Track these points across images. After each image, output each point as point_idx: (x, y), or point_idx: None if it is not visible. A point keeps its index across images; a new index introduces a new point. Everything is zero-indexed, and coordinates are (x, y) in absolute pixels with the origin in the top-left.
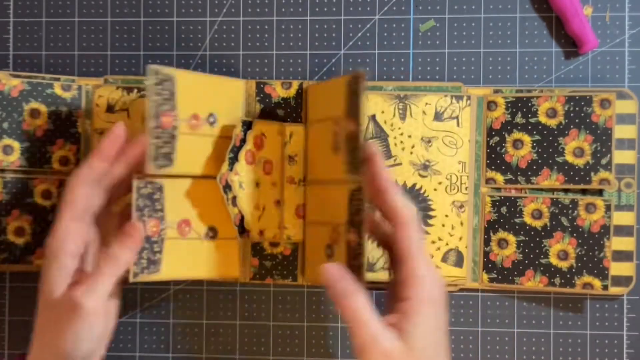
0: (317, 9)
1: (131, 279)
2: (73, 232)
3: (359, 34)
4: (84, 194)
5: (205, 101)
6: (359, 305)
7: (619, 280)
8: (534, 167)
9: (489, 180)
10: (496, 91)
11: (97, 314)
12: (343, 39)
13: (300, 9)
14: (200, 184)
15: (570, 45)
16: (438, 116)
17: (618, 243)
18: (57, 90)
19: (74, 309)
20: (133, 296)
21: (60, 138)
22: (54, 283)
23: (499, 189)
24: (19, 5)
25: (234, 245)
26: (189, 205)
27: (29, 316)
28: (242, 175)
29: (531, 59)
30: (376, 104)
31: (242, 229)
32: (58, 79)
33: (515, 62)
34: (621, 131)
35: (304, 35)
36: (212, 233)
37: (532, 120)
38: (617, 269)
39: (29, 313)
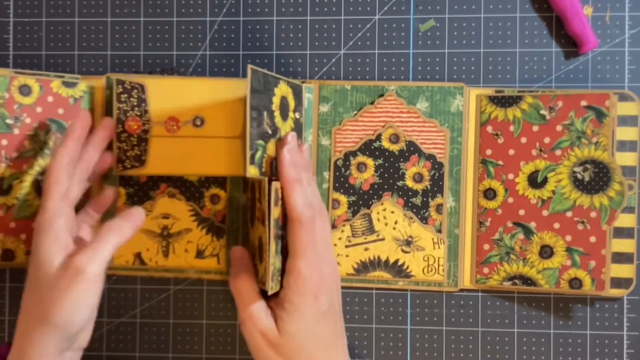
0: (317, 9)
1: (116, 173)
2: (62, 210)
3: (359, 34)
4: (66, 174)
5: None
6: (245, 284)
7: (619, 282)
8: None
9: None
10: (498, 91)
11: (98, 281)
12: (343, 39)
13: (300, 9)
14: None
15: (570, 45)
16: None
17: (618, 245)
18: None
19: (76, 274)
20: (133, 296)
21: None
22: (50, 254)
23: None
24: (19, 5)
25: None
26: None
27: None
28: None
29: (531, 59)
30: None
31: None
32: (62, 77)
33: (515, 62)
34: (622, 133)
35: (304, 35)
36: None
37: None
38: (617, 270)
39: None
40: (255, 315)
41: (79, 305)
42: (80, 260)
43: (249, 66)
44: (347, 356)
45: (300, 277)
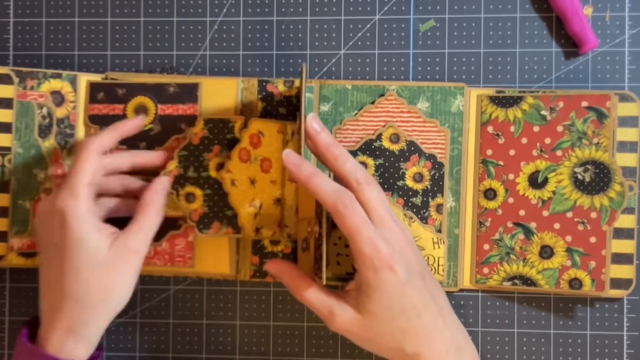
0: (317, 9)
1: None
2: (90, 194)
3: (359, 34)
4: (96, 165)
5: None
6: (307, 295)
7: (619, 283)
8: None
9: None
10: (499, 91)
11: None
12: (343, 39)
13: (300, 9)
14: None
15: (570, 45)
16: None
17: (618, 245)
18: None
19: (134, 255)
20: (133, 296)
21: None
22: (95, 239)
23: None
24: (19, 5)
25: (223, 241)
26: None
27: (29, 316)
28: (235, 172)
29: (531, 59)
30: None
31: (237, 230)
32: (59, 75)
33: (515, 62)
34: (623, 134)
35: (304, 35)
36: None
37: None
38: (617, 271)
39: (29, 313)
40: (336, 314)
41: (133, 283)
42: (134, 242)
43: (305, 65)
44: (444, 313)
45: (366, 258)
